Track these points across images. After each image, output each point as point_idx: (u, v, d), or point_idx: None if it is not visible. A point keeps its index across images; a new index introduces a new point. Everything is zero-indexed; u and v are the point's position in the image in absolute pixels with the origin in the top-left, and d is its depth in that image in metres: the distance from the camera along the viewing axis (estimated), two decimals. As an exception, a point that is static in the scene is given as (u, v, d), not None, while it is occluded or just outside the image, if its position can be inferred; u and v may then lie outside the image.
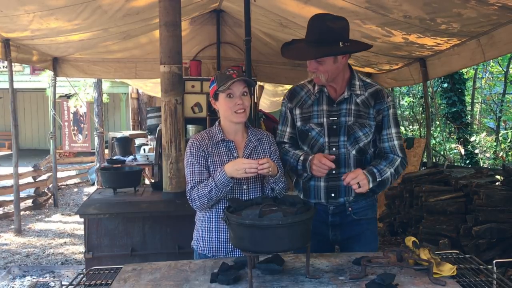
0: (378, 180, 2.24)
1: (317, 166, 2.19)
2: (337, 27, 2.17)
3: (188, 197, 2.19)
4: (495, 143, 10.35)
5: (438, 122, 10.67)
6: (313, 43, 2.19)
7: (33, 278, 4.80)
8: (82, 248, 4.80)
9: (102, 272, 1.99)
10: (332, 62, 2.20)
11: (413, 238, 1.93)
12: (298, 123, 2.39)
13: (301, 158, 2.28)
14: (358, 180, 2.14)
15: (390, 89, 8.29)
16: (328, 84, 2.30)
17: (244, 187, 2.21)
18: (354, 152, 2.31)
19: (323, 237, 2.36)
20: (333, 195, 2.33)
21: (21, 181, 7.86)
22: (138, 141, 7.63)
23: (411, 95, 12.46)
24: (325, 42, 2.15)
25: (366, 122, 2.30)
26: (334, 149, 2.30)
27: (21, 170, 7.55)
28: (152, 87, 9.16)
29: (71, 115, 11.98)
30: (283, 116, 2.45)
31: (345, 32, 2.20)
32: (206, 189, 2.11)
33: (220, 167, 2.14)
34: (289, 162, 2.35)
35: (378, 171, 2.24)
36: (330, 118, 2.31)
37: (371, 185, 2.20)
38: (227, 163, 2.14)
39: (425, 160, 6.43)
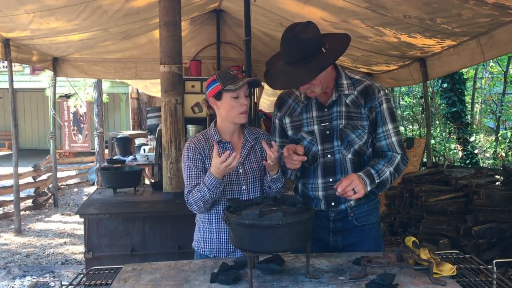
0: (377, 181, 2.11)
1: (287, 158, 2.05)
2: (312, 36, 2.00)
3: (186, 201, 2.18)
4: (495, 143, 10.35)
5: (438, 122, 10.67)
6: (297, 63, 2.01)
7: (33, 278, 4.80)
8: (82, 248, 4.80)
9: (102, 272, 1.98)
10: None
11: (413, 238, 1.93)
12: (290, 132, 2.28)
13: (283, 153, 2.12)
14: (352, 186, 2.00)
15: (390, 89, 8.30)
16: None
17: (244, 187, 2.21)
18: (350, 155, 2.18)
19: (323, 242, 2.27)
20: (333, 204, 2.22)
21: (21, 181, 7.87)
22: (138, 141, 7.63)
23: (411, 95, 12.47)
24: (309, 56, 1.99)
25: (358, 124, 2.16)
26: (329, 155, 2.19)
27: (21, 170, 7.56)
28: (150, 87, 9.17)
29: (71, 115, 12.00)
30: (273, 126, 2.36)
31: (319, 35, 2.04)
32: (199, 194, 2.10)
33: None
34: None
35: (377, 172, 2.11)
36: (322, 124, 2.19)
37: (369, 188, 2.07)
38: None
39: (425, 160, 6.44)
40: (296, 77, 2.03)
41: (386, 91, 2.24)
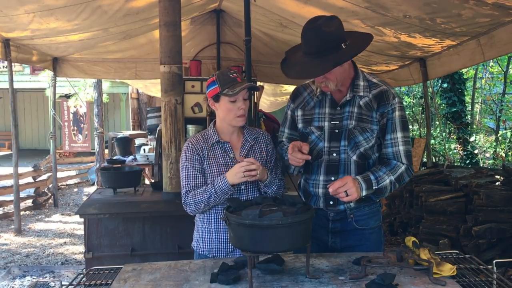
0: (374, 188, 2.07)
1: (291, 155, 2.08)
2: (334, 30, 2.00)
3: (182, 201, 2.19)
4: (494, 143, 10.35)
5: (438, 122, 10.67)
6: (315, 54, 2.02)
7: (33, 278, 4.80)
8: (82, 248, 4.80)
9: (102, 272, 1.99)
10: (339, 66, 2.06)
11: (413, 238, 1.93)
12: (300, 125, 2.28)
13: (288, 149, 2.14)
14: (345, 188, 1.98)
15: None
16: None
17: (242, 187, 2.21)
18: (355, 157, 2.16)
19: (321, 242, 2.25)
20: (331, 202, 2.21)
21: (21, 181, 7.87)
22: (138, 141, 7.63)
23: (411, 95, 12.47)
24: (327, 49, 1.99)
25: (368, 126, 2.15)
26: (334, 154, 2.18)
27: (21, 170, 7.56)
28: (150, 87, 9.16)
29: (71, 115, 12.00)
30: (284, 116, 2.37)
31: (341, 31, 2.04)
32: (205, 195, 2.11)
33: (216, 169, 2.16)
34: (283, 156, 2.27)
35: (376, 178, 2.08)
36: (332, 122, 2.19)
37: (364, 193, 2.05)
38: (223, 164, 2.16)
39: (425, 160, 6.44)
40: (311, 68, 2.04)
41: (402, 99, 2.23)
